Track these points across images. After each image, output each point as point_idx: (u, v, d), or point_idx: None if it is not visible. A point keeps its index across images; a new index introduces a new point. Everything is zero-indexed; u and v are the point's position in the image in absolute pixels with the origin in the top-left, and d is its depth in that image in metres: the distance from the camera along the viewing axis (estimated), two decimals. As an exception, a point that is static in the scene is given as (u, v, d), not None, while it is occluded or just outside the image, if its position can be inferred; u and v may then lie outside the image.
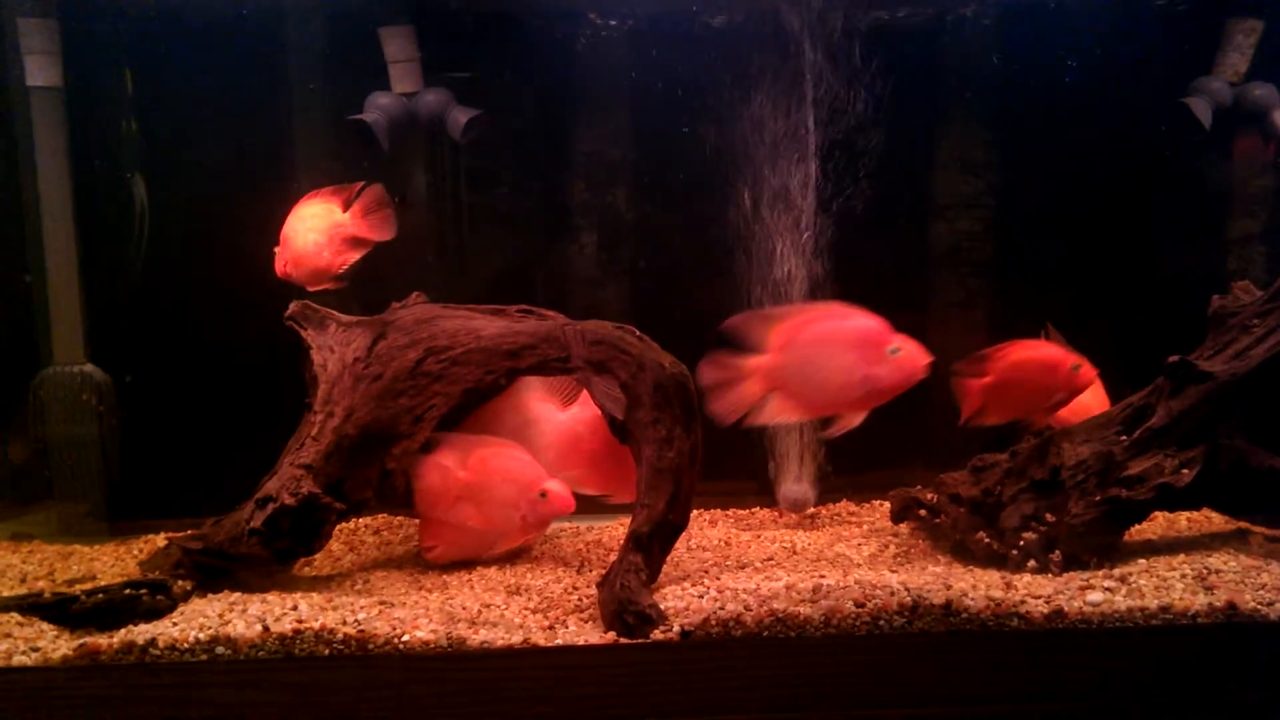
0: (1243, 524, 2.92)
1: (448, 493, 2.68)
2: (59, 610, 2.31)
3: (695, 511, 3.34)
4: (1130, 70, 3.30)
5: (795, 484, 3.39)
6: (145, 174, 3.39)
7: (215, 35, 3.29)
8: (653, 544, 2.47)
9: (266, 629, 2.22)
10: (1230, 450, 2.73)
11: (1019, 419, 2.91)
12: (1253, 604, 2.29)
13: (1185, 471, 2.63)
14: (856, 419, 2.47)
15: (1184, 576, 2.46)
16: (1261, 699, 2.25)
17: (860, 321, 2.44)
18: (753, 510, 3.49)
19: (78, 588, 2.42)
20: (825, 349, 2.43)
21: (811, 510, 3.41)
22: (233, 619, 2.28)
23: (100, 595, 2.32)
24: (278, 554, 2.56)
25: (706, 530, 3.24)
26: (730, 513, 3.45)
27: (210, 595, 2.47)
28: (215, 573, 2.58)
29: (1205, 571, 2.49)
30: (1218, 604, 2.30)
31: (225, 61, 3.29)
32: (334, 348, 2.79)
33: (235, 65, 3.30)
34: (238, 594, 2.47)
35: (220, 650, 2.20)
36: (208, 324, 3.40)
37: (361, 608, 2.35)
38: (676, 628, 2.25)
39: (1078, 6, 3.38)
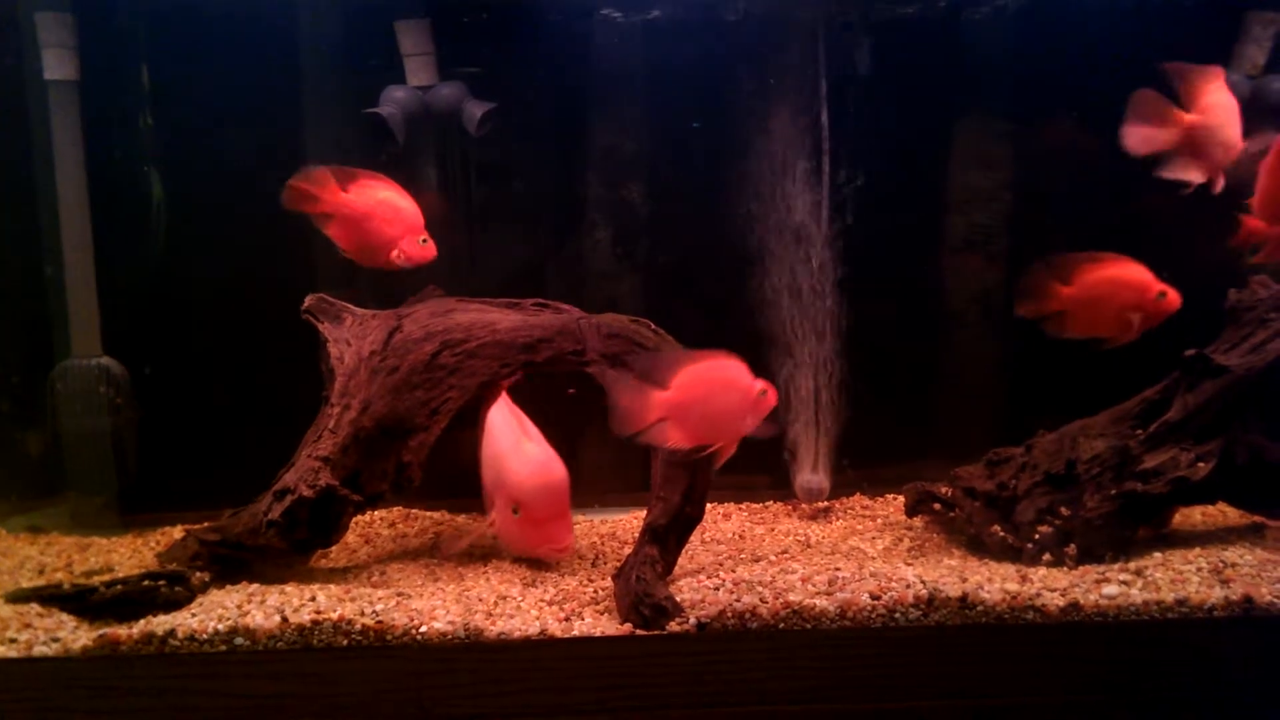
0: (1258, 518, 2.91)
1: (648, 416, 2.46)
2: (78, 601, 2.32)
3: (709, 505, 3.34)
4: (1147, 63, 3.28)
5: (811, 474, 3.39)
6: (161, 167, 3.40)
7: (231, 29, 3.29)
8: (669, 536, 2.48)
9: (285, 620, 2.24)
10: (1246, 444, 2.73)
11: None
12: (1269, 597, 2.29)
13: (1201, 465, 2.63)
14: None
15: (1200, 570, 2.46)
16: (1277, 692, 2.25)
17: None
18: (766, 504, 3.48)
19: (96, 579, 2.43)
20: None
21: (825, 504, 3.41)
22: (251, 610, 2.30)
23: (119, 586, 2.33)
24: (296, 545, 2.57)
25: (720, 523, 3.25)
26: (744, 506, 3.45)
27: (228, 586, 2.48)
28: (233, 564, 2.59)
29: (1221, 565, 2.49)
30: (1234, 597, 2.30)
31: (241, 55, 3.30)
32: (350, 341, 2.80)
33: (251, 59, 3.30)
34: (255, 585, 2.48)
35: (239, 641, 2.21)
36: (224, 317, 3.41)
37: (379, 599, 2.37)
38: (692, 620, 2.26)
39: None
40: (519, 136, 3.49)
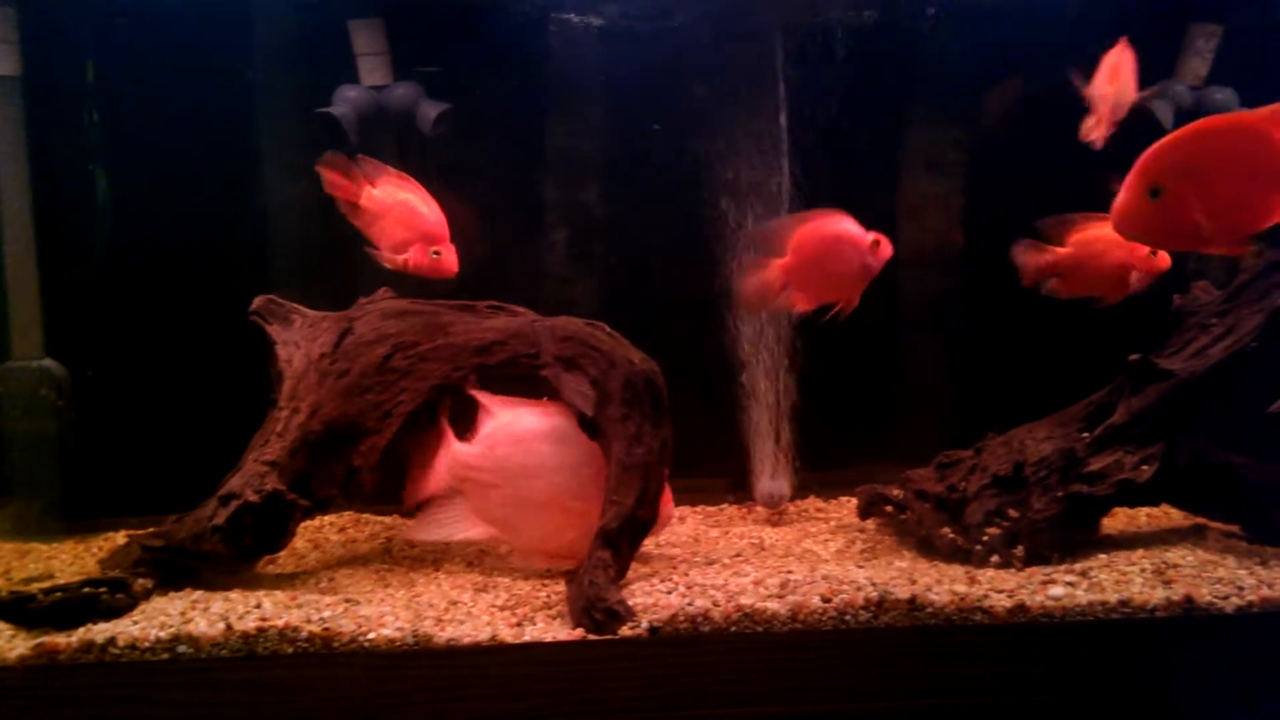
0: (1200, 520, 2.97)
1: (773, 287, 2.59)
2: (16, 609, 2.26)
3: (664, 508, 3.35)
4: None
5: (772, 480, 3.40)
6: (107, 166, 3.33)
7: (180, 25, 3.24)
8: (621, 540, 2.47)
9: (229, 627, 2.20)
10: (1189, 447, 2.78)
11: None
12: (1209, 597, 2.34)
13: (1145, 468, 2.68)
14: None
15: (1143, 571, 2.51)
16: (1217, 691, 2.30)
17: None
18: (721, 507, 3.50)
19: (35, 586, 2.36)
20: None
21: (780, 507, 3.42)
22: (195, 617, 2.26)
23: (58, 594, 2.27)
24: (241, 552, 2.53)
25: (675, 527, 3.24)
26: (699, 509, 3.46)
27: (172, 593, 2.44)
28: (177, 571, 2.53)
29: (1164, 566, 2.54)
30: (1175, 598, 2.34)
31: (190, 52, 3.24)
32: (299, 343, 2.76)
33: (201, 56, 3.25)
34: (200, 592, 2.44)
35: (182, 649, 2.17)
36: (170, 318, 3.34)
37: (326, 605, 2.34)
38: (645, 624, 2.26)
39: (1043, 9, 3.43)
40: (477, 138, 3.47)
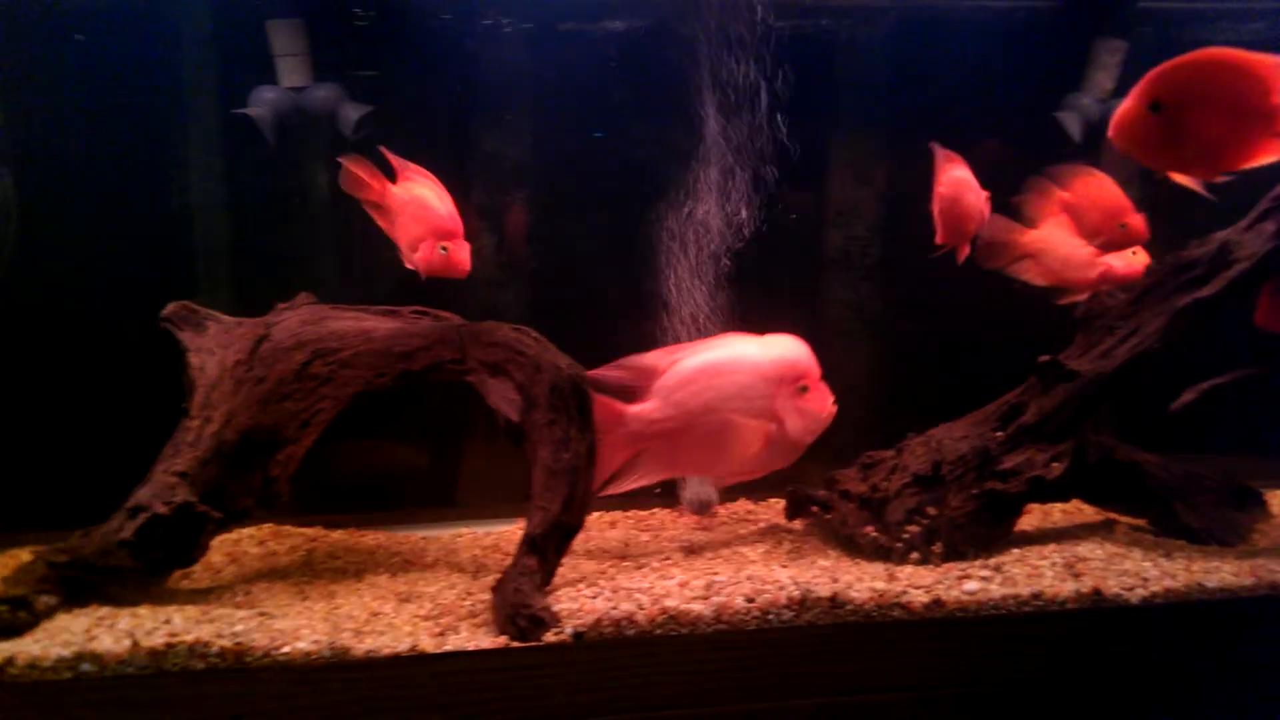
0: (1110, 514, 3.08)
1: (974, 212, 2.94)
2: (-92, 630, 2.16)
3: (595, 513, 3.34)
4: (1009, 86, 3.46)
5: (699, 485, 3.42)
6: (13, 167, 3.20)
7: (92, 20, 3.12)
8: (547, 546, 2.46)
9: (136, 644, 2.13)
10: (1097, 445, 2.89)
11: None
12: (1116, 589, 2.43)
13: (1055, 465, 2.77)
14: None
15: (1054, 565, 2.59)
16: (1125, 679, 2.38)
17: None
18: (652, 511, 3.50)
19: (-70, 606, 2.26)
20: None
21: (709, 513, 3.44)
22: (100, 634, 2.18)
23: (-46, 613, 2.18)
24: (151, 566, 2.44)
25: (606, 532, 3.24)
26: (630, 514, 3.45)
27: (77, 610, 2.35)
28: (84, 587, 2.43)
29: (1074, 559, 2.62)
30: (1084, 590, 2.42)
31: (103, 48, 3.13)
32: (214, 350, 2.68)
33: (114, 53, 3.14)
34: (107, 608, 2.35)
35: (86, 667, 2.10)
36: (78, 325, 3.21)
37: (240, 620, 2.28)
38: (569, 629, 2.25)
39: (962, 27, 3.54)
40: (403, 141, 3.42)
